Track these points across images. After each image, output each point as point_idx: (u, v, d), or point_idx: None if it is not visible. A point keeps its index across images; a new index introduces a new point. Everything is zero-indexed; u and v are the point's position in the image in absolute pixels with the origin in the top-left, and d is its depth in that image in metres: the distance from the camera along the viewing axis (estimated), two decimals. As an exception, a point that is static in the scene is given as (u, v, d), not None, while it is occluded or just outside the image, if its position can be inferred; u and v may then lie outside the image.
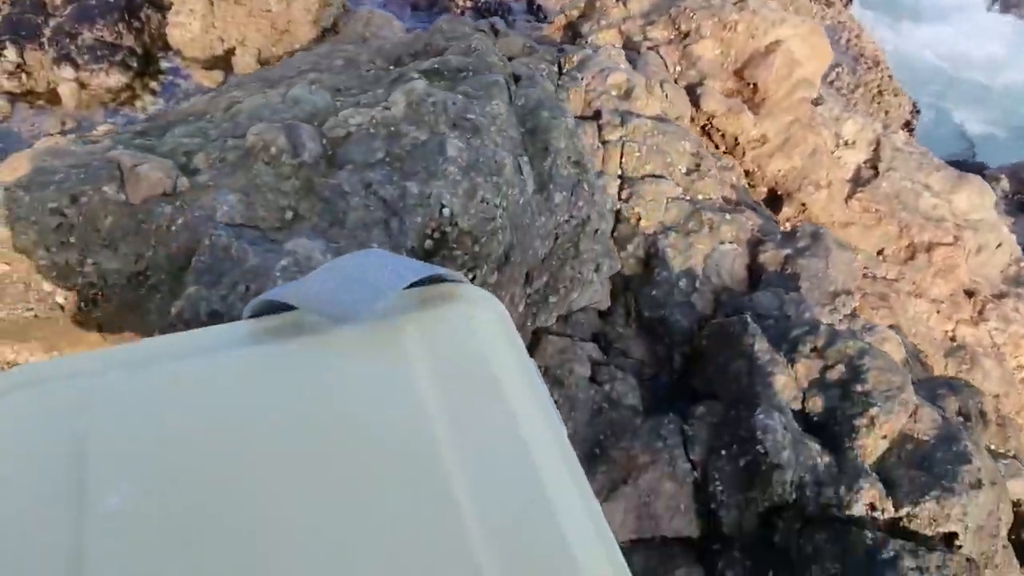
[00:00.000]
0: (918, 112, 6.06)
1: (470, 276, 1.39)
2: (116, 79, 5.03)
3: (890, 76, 6.16)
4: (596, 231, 1.70)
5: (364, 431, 0.75)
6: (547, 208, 1.59)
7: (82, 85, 4.99)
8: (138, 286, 1.51)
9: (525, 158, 1.61)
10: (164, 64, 5.30)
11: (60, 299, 1.61)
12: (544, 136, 1.66)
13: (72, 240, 1.48)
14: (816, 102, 3.19)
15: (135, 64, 5.12)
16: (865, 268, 2.84)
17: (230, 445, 0.71)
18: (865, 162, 3.19)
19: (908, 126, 6.04)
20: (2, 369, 2.42)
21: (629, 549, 1.65)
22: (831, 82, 6.07)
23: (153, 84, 5.20)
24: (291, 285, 0.92)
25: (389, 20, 5.37)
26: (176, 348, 0.86)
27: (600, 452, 1.79)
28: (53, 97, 4.99)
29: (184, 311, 1.29)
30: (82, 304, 1.62)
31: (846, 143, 3.19)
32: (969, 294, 2.89)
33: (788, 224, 3.04)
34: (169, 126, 1.90)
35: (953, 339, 2.76)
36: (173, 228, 1.44)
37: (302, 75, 2.32)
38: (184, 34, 5.15)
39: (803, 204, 2.97)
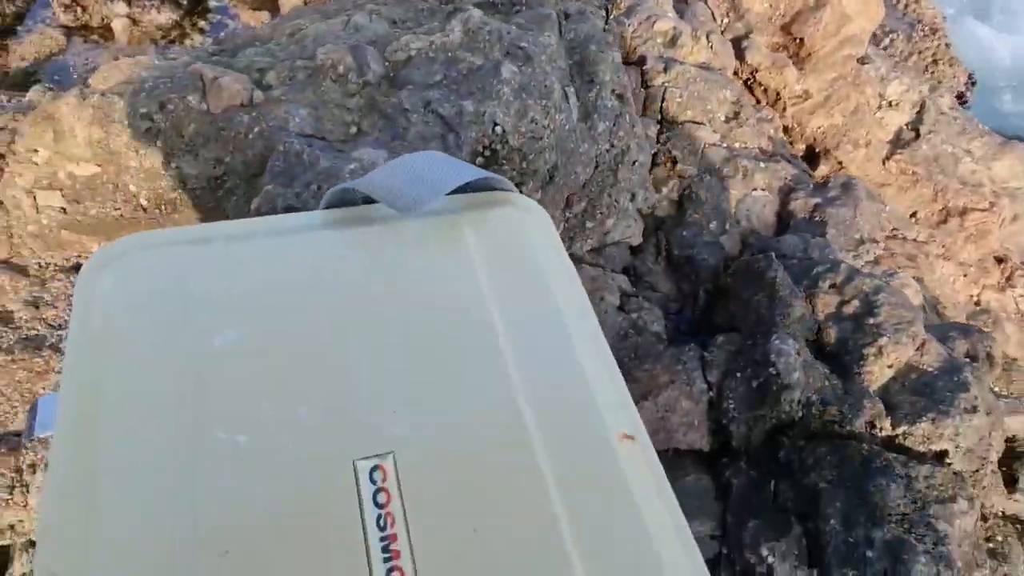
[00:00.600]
0: (973, 83, 5.93)
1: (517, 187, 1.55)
2: (167, 16, 5.22)
3: (947, 45, 6.02)
4: (635, 162, 1.84)
5: (427, 303, 0.96)
6: (590, 136, 1.74)
7: (134, 21, 5.19)
8: (215, 189, 1.71)
9: (572, 88, 1.74)
10: (212, 3, 5.47)
11: (144, 201, 1.83)
12: (591, 68, 1.79)
13: (159, 144, 1.67)
14: (863, 60, 3.22)
15: (185, 2, 5.30)
16: (895, 229, 2.93)
17: (312, 303, 0.92)
18: (907, 124, 3.23)
19: (961, 98, 5.94)
20: None
21: (645, 457, 1.84)
22: (884, 48, 5.97)
23: (202, 23, 5.38)
24: (362, 178, 1.12)
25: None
26: (266, 227, 1.08)
27: (624, 373, 1.96)
28: (106, 32, 5.20)
29: (261, 206, 1.48)
30: (163, 206, 1.83)
31: (890, 103, 3.23)
32: (999, 260, 2.95)
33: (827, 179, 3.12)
34: (238, 48, 2.07)
35: (978, 303, 2.85)
36: (250, 136, 1.62)
37: (359, 7, 2.47)
38: (232, -28, 5.28)
39: (840, 162, 3.05)
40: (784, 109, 3.08)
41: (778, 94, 3.07)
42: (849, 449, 1.55)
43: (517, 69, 1.57)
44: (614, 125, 1.77)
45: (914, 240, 2.99)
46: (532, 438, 0.73)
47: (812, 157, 3.16)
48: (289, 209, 1.45)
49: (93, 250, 1.96)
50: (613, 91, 1.79)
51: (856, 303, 1.77)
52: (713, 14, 3.14)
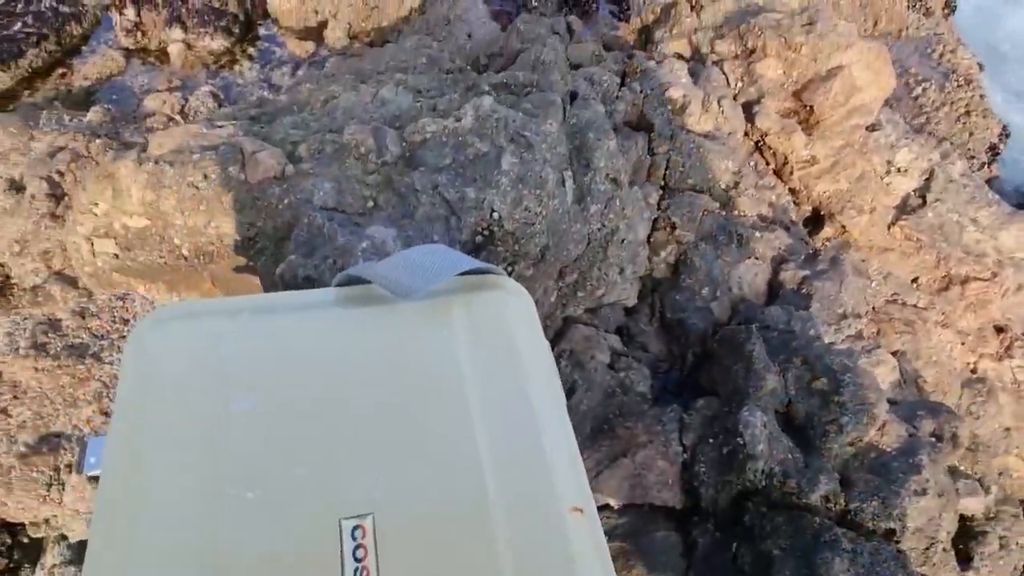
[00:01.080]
0: (1007, 136, 5.93)
1: (510, 269, 1.76)
2: (219, 43, 5.59)
3: (981, 96, 6.04)
4: (623, 240, 2.03)
5: (411, 374, 1.18)
6: (582, 217, 1.93)
7: (189, 46, 5.57)
8: (248, 248, 1.96)
9: (569, 172, 1.94)
10: (262, 32, 5.83)
11: (185, 251, 2.09)
12: (588, 154, 1.99)
13: (202, 208, 1.93)
14: (873, 127, 3.34)
15: (237, 30, 5.67)
16: (895, 294, 3.04)
17: (321, 376, 1.15)
18: (915, 190, 3.34)
19: (994, 150, 5.95)
20: (138, 297, 2.97)
21: (621, 510, 2.02)
22: (915, 97, 6.03)
23: (251, 50, 5.74)
24: (370, 266, 1.36)
25: (475, 2, 5.67)
26: (287, 302, 1.33)
27: (607, 428, 2.15)
28: (162, 56, 5.59)
29: (285, 273, 1.71)
30: (201, 257, 2.09)
31: (899, 170, 3.34)
32: (999, 330, 3.03)
33: (827, 244, 3.25)
34: (277, 113, 2.34)
35: (974, 371, 2.93)
36: (280, 207, 1.87)
37: (390, 72, 2.72)
38: (283, 4, 5.66)
39: (843, 227, 3.17)
40: (791, 172, 3.22)
41: (786, 158, 3.21)
42: (804, 521, 1.71)
43: (517, 159, 1.78)
44: (605, 207, 1.96)
45: (914, 306, 3.09)
46: (492, 508, 0.92)
47: (817, 220, 3.29)
48: (308, 279, 1.68)
49: (139, 289, 2.24)
50: (607, 175, 1.98)
51: (824, 380, 1.92)
52: (727, 78, 3.31)
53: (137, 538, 0.84)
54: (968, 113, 5.95)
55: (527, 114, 1.98)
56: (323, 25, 5.68)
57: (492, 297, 1.28)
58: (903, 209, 3.29)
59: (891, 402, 2.14)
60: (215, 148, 1.93)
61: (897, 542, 1.65)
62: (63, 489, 2.91)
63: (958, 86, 6.15)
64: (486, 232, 1.74)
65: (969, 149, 5.96)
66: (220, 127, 2.04)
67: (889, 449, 1.78)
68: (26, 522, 2.88)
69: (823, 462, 1.78)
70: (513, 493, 0.97)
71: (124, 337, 3.22)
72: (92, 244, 2.02)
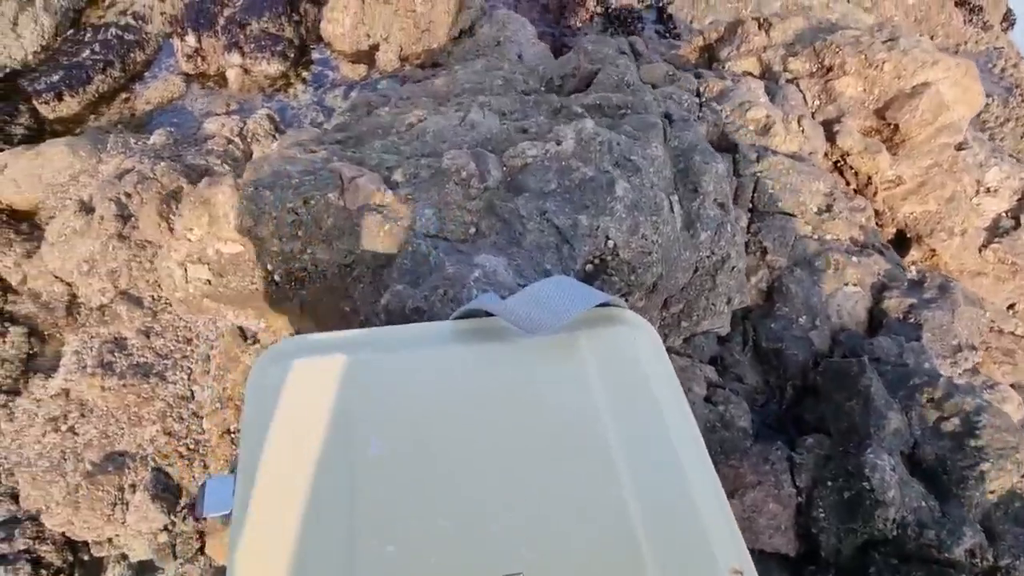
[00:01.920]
0: (1077, 152, 5.67)
1: (623, 299, 1.65)
2: (275, 67, 5.66)
3: (1048, 111, 5.81)
4: (733, 268, 1.92)
5: (547, 416, 1.08)
6: (692, 244, 1.83)
7: (246, 71, 5.65)
8: (344, 276, 1.89)
9: (675, 196, 1.84)
10: (315, 56, 5.89)
11: (277, 278, 2.03)
12: (695, 178, 1.89)
13: (300, 233, 1.87)
14: (960, 146, 3.19)
15: (292, 54, 5.73)
16: (992, 321, 2.85)
17: (449, 417, 1.06)
18: (1007, 212, 3.16)
19: (1063, 167, 5.68)
20: (212, 331, 2.94)
21: (729, 556, 1.87)
22: (978, 113, 5.81)
23: (305, 74, 5.81)
24: (497, 301, 1.26)
25: (523, 24, 5.66)
26: (408, 337, 1.24)
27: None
28: (220, 80, 5.67)
29: (390, 303, 1.64)
30: (292, 283, 2.03)
31: (987, 190, 3.17)
32: (1107, 361, 2.82)
33: (914, 268, 3.08)
34: (363, 137, 2.29)
35: (1083, 405, 2.72)
36: (380, 233, 1.80)
37: (468, 94, 2.66)
38: (336, 29, 5.72)
39: (933, 249, 3.01)
40: (875, 193, 3.08)
41: (869, 178, 3.07)
42: (946, 577, 1.55)
43: (629, 185, 1.69)
44: (715, 234, 1.86)
45: (1012, 333, 2.90)
46: (649, 570, 0.82)
47: (903, 242, 3.13)
48: (417, 311, 1.60)
49: (228, 316, 2.19)
50: (715, 200, 1.88)
51: (956, 421, 1.77)
52: (805, 97, 3.19)
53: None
54: (1034, 129, 5.71)
55: (629, 137, 1.89)
56: (375, 48, 5.72)
57: (619, 332, 1.19)
58: (995, 232, 3.11)
59: (1018, 442, 1.97)
60: (313, 173, 1.87)
61: (1057, 603, 1.49)
62: (127, 509, 2.88)
63: (1022, 101, 5.92)
64: (598, 261, 1.65)
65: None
66: (314, 151, 1.99)
67: (1038, 498, 1.63)
68: (90, 540, 2.87)
69: (963, 512, 1.63)
70: (668, 553, 0.88)
71: (187, 357, 3.19)
72: (186, 270, 1.98)
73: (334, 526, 0.84)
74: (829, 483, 1.80)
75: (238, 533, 0.86)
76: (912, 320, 2.25)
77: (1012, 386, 2.61)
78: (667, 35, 5.85)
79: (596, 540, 0.89)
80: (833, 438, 1.93)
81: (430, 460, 0.95)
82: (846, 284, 2.35)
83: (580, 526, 0.89)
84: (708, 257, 1.87)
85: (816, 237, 2.50)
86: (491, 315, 1.16)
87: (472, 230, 1.80)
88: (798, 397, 2.20)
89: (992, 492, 1.67)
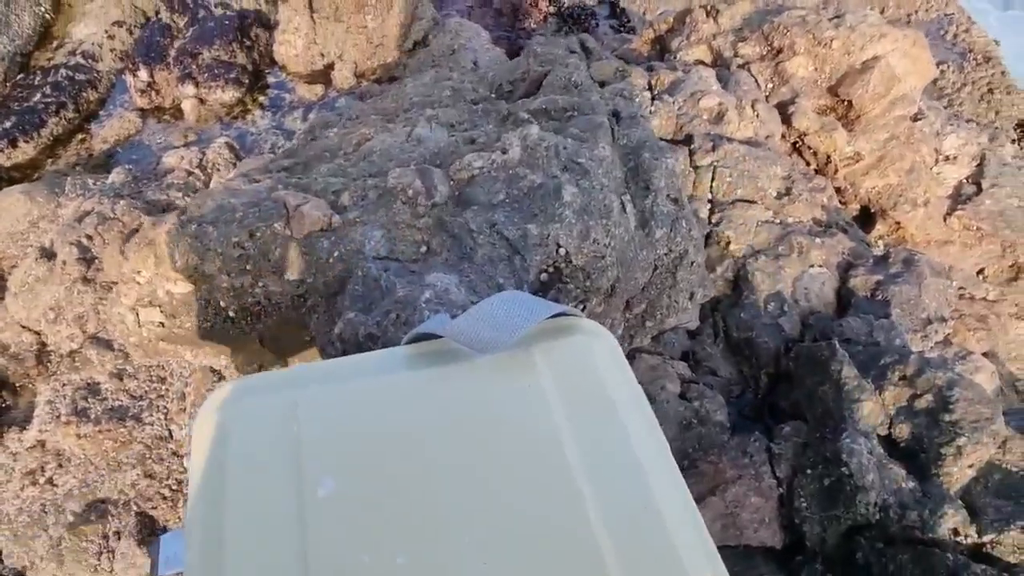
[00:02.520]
0: (1035, 110, 5.73)
1: (580, 307, 1.62)
2: (231, 94, 5.58)
3: (1003, 72, 5.86)
4: (692, 263, 1.88)
5: (504, 436, 1.03)
6: (648, 243, 1.79)
7: (201, 101, 5.57)
8: (298, 306, 1.84)
9: (628, 196, 1.81)
10: (271, 79, 5.82)
11: (232, 313, 1.97)
12: (646, 176, 1.85)
13: (248, 267, 1.81)
14: (916, 117, 3.19)
15: (246, 80, 5.66)
16: (962, 288, 2.85)
17: (403, 447, 1.01)
18: (967, 178, 3.16)
19: (1022, 127, 5.75)
20: (185, 367, 2.86)
21: (716, 554, 1.84)
22: (934, 81, 5.85)
23: (262, 98, 5.73)
24: (446, 322, 1.21)
25: (477, 31, 5.62)
26: (356, 368, 1.18)
27: (689, 464, 1.98)
28: (176, 112, 5.59)
29: (344, 331, 1.58)
30: (248, 318, 1.97)
31: (947, 158, 3.17)
32: (1079, 317, 2.83)
33: (880, 242, 3.07)
34: (310, 162, 2.23)
35: (1059, 364, 2.73)
36: (330, 260, 1.75)
37: (416, 108, 2.62)
38: (289, 50, 5.65)
39: (897, 222, 3.00)
40: (836, 171, 3.07)
41: (828, 157, 3.06)
42: (934, 558, 1.52)
43: (577, 188, 1.65)
44: (671, 230, 1.82)
45: (984, 299, 2.90)
46: None
47: (867, 217, 3.12)
48: (370, 337, 1.55)
49: (186, 357, 2.13)
50: (668, 196, 1.84)
51: (929, 397, 1.75)
52: (757, 81, 3.18)
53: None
54: (991, 91, 5.76)
55: (576, 139, 1.85)
56: (330, 67, 5.65)
57: (574, 343, 1.14)
58: (957, 199, 3.11)
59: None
60: (257, 204, 1.82)
61: (1044, 574, 1.47)
62: (113, 557, 2.80)
63: (977, 65, 5.98)
64: (552, 269, 1.60)
65: (996, 128, 5.76)
66: (257, 181, 1.93)
67: (1016, 469, 1.60)
68: None
69: (943, 490, 1.60)
70: (636, 569, 0.84)
71: (162, 396, 3.12)
72: (137, 314, 1.91)
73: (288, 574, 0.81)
74: (808, 471, 1.77)
75: None
76: (880, 297, 2.23)
77: (986, 354, 2.60)
78: (621, 29, 5.84)
79: (561, 563, 0.85)
80: (810, 424, 1.91)
81: (385, 495, 0.90)
82: (811, 266, 2.33)
83: (544, 550, 0.85)
84: (666, 254, 1.83)
85: (778, 221, 2.47)
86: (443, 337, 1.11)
87: (423, 248, 1.75)
88: (773, 385, 2.17)
89: (970, 466, 1.65)
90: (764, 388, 2.19)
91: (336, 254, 1.74)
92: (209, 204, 1.85)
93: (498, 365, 1.10)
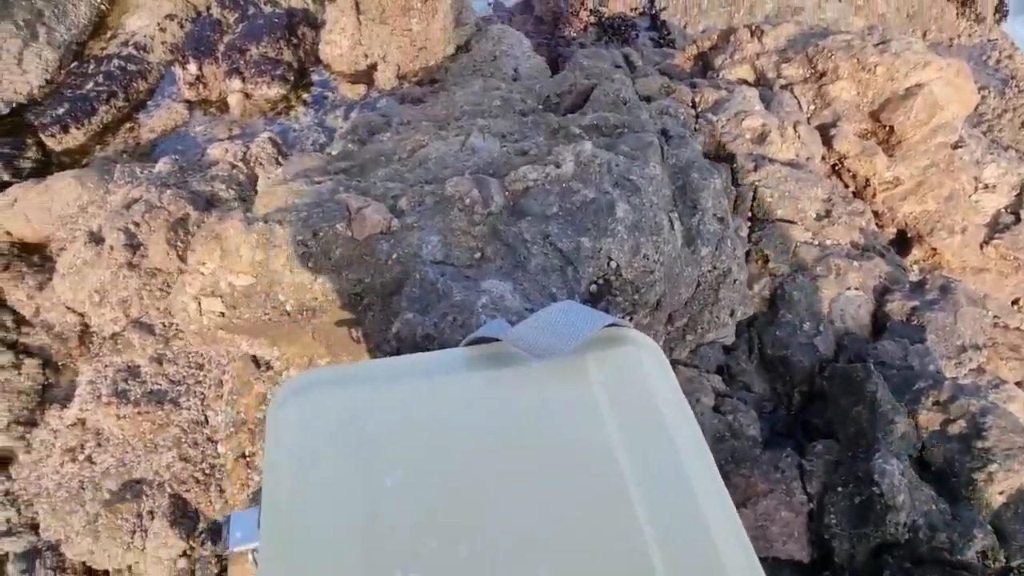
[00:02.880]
0: (1076, 140, 5.67)
1: (628, 318, 1.69)
2: (276, 91, 5.73)
3: (1045, 100, 5.82)
4: (735, 281, 1.95)
5: (559, 442, 1.11)
6: (693, 260, 1.86)
7: (247, 96, 5.72)
8: (355, 304, 1.93)
9: (675, 214, 1.88)
10: (315, 77, 5.97)
11: (289, 307, 2.08)
12: (694, 195, 1.92)
13: (310, 265, 1.92)
14: (956, 144, 3.21)
15: (291, 77, 5.81)
16: (996, 317, 2.87)
17: (464, 445, 1.09)
18: (1006, 207, 3.18)
19: (1063, 156, 5.69)
20: (223, 356, 2.97)
21: (744, 565, 1.90)
22: (976, 107, 5.82)
23: (305, 95, 5.88)
24: (506, 327, 1.30)
25: (519, 39, 5.72)
26: (419, 366, 1.28)
27: (721, 476, 2.04)
28: (222, 106, 5.75)
29: (401, 331, 1.68)
30: (304, 313, 2.07)
31: (986, 187, 3.19)
32: (1114, 353, 2.83)
33: (916, 267, 3.10)
34: (366, 165, 2.33)
35: (1092, 398, 2.73)
36: (389, 261, 1.84)
37: (467, 117, 2.71)
38: (334, 50, 5.79)
39: (934, 248, 3.03)
40: (874, 195, 3.10)
41: (867, 180, 3.10)
42: (960, 580, 1.57)
43: (630, 206, 1.73)
44: (716, 249, 1.89)
45: (1018, 329, 2.91)
46: None
47: (904, 242, 3.15)
48: (427, 337, 1.64)
49: (242, 345, 2.24)
50: (715, 215, 1.91)
51: (962, 423, 1.79)
52: (800, 103, 3.22)
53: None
54: (1032, 119, 5.72)
55: (627, 157, 1.93)
56: (373, 68, 5.78)
57: (625, 353, 1.21)
58: (995, 227, 3.13)
59: (1025, 440, 1.99)
60: (320, 205, 1.92)
61: (1070, 602, 1.51)
62: (145, 536, 2.90)
63: (1019, 91, 5.94)
64: (602, 280, 1.68)
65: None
66: (319, 182, 2.03)
67: (1046, 497, 1.65)
68: (110, 569, 2.88)
69: (973, 514, 1.65)
70: (680, 570, 0.90)
71: (200, 383, 3.23)
72: (199, 303, 2.02)
73: (358, 559, 0.87)
74: (840, 489, 1.83)
75: (265, 566, 0.89)
76: (915, 322, 2.28)
77: (1019, 383, 2.62)
78: (661, 42, 5.89)
79: (610, 560, 0.91)
80: (842, 443, 1.96)
81: (446, 488, 0.98)
82: (848, 288, 2.38)
83: (594, 548, 0.91)
84: (710, 271, 1.90)
85: (816, 243, 2.52)
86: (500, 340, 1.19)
87: (478, 255, 1.84)
88: (805, 403, 2.22)
89: (1001, 493, 1.69)
90: (797, 405, 2.24)
91: (394, 256, 1.83)
92: (274, 203, 1.96)
93: (553, 371, 1.17)
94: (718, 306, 1.93)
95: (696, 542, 0.94)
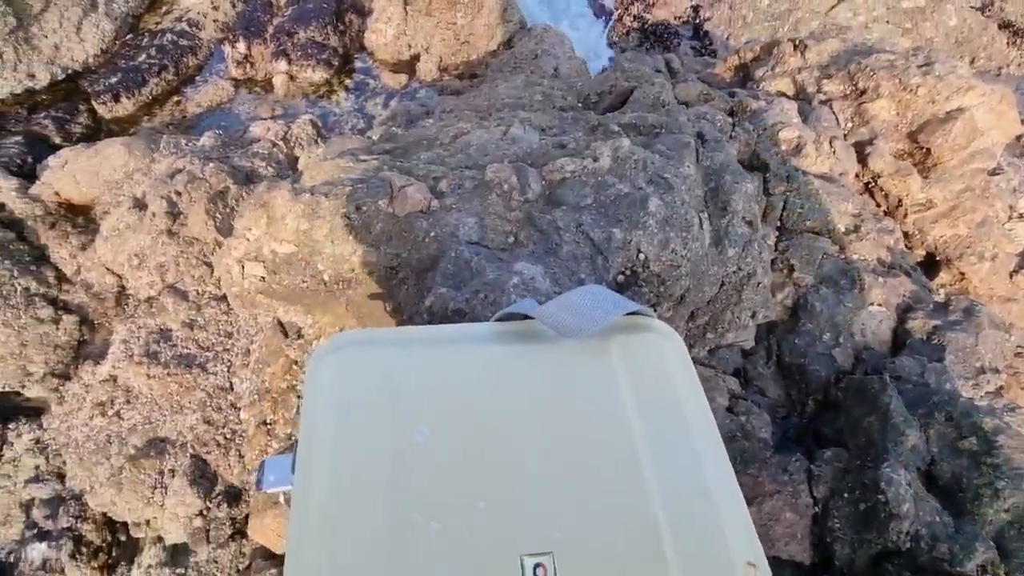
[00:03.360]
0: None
1: (652, 308, 1.76)
2: (320, 75, 5.89)
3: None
4: (759, 284, 2.01)
5: (578, 413, 1.20)
6: (720, 260, 1.93)
7: (291, 78, 5.88)
8: (390, 278, 2.04)
9: (705, 214, 1.95)
10: (358, 64, 6.11)
11: (326, 277, 2.19)
12: (725, 197, 1.99)
13: (350, 237, 2.02)
14: (994, 171, 3.22)
15: (336, 62, 5.96)
16: (1020, 347, 2.88)
17: (488, 408, 1.19)
18: (1040, 238, 3.18)
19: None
20: (252, 326, 3.09)
21: (746, 561, 1.96)
22: (1019, 137, 5.76)
23: (348, 82, 6.02)
24: (535, 306, 1.39)
25: (561, 39, 5.79)
26: (452, 335, 1.37)
27: (730, 473, 2.10)
28: (267, 86, 5.91)
29: (434, 304, 1.77)
30: (340, 283, 2.18)
31: (1020, 216, 3.19)
32: None
33: (942, 291, 3.11)
34: (409, 147, 2.44)
35: (1112, 435, 2.73)
36: (426, 239, 1.94)
37: (508, 109, 2.80)
38: (379, 39, 5.93)
39: (962, 273, 3.05)
40: (905, 215, 3.13)
41: (900, 200, 3.12)
42: (958, 590, 1.62)
43: (662, 202, 1.80)
44: (743, 251, 1.95)
45: (1040, 360, 2.91)
46: (668, 557, 0.92)
47: (932, 265, 3.17)
48: (458, 312, 1.73)
49: (278, 311, 2.35)
50: (744, 218, 1.98)
51: (973, 440, 1.83)
52: (838, 119, 3.26)
53: (330, 561, 0.88)
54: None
55: (663, 156, 2.00)
56: (415, 58, 5.91)
57: (648, 340, 1.28)
58: (1027, 258, 3.13)
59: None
60: (365, 182, 2.03)
61: (1066, 620, 1.55)
62: (166, 492, 3.00)
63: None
64: (629, 272, 1.76)
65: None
66: (365, 160, 2.14)
67: (1051, 518, 1.68)
68: (129, 521, 2.98)
69: (976, 528, 1.69)
70: (688, 545, 0.97)
71: (228, 350, 3.35)
72: (243, 267, 2.14)
73: (384, 504, 0.95)
74: (846, 495, 1.88)
75: (299, 508, 0.98)
76: (936, 341, 2.31)
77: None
78: (703, 52, 5.93)
79: (619, 525, 0.98)
80: (851, 452, 2.01)
81: (471, 449, 1.06)
82: (871, 304, 2.42)
83: (605, 513, 0.99)
84: (735, 272, 1.96)
85: (843, 257, 2.57)
86: (529, 318, 1.27)
87: (511, 239, 1.93)
88: (819, 411, 2.27)
89: (1007, 510, 1.73)
90: (810, 413, 2.29)
91: (432, 234, 1.93)
92: (321, 176, 2.07)
93: (579, 349, 1.26)
94: (740, 307, 2.00)
95: (701, 511, 1.02)
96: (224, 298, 3.30)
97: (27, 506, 3.07)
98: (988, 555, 1.64)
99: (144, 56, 5.69)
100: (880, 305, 2.44)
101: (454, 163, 2.18)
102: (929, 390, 2.05)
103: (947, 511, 1.76)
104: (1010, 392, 2.74)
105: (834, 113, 3.25)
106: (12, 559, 3.03)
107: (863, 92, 3.30)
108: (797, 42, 3.74)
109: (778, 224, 2.63)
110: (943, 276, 3.11)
